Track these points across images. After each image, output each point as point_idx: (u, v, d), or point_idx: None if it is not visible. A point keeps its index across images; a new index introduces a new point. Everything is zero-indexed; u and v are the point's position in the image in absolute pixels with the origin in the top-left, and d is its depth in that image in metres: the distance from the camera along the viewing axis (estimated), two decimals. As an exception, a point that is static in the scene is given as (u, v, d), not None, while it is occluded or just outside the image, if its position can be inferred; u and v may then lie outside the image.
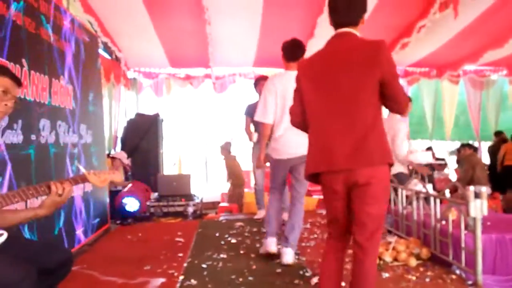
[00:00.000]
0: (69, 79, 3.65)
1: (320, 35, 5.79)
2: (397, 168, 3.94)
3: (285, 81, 3.09)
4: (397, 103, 1.86)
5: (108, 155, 5.57)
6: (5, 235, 1.55)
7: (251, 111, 4.51)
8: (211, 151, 7.13)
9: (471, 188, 2.62)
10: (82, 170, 1.74)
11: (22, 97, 2.79)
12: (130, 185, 5.08)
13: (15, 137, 2.67)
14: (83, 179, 1.73)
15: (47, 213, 1.65)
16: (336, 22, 1.94)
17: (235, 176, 6.00)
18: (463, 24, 5.59)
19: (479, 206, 2.59)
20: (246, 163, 7.39)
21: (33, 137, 2.92)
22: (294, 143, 3.03)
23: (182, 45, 6.29)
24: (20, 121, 2.73)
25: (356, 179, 1.82)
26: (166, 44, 6.18)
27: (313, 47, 6.10)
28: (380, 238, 1.92)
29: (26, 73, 2.87)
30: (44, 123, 3.10)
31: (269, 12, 5.34)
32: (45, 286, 1.61)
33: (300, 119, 2.06)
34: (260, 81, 4.53)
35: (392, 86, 1.81)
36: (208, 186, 7.43)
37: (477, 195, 2.62)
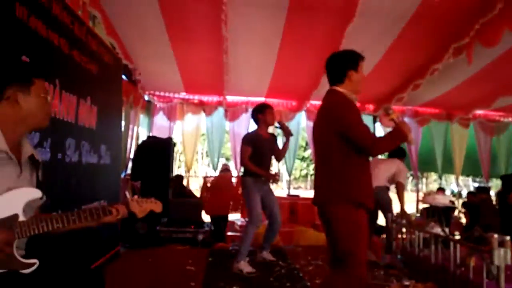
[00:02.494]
0: (94, 99, 3.69)
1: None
2: None
3: None
4: (360, 145, 2.18)
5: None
6: (37, 264, 1.51)
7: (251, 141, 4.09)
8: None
9: (496, 236, 2.62)
10: (127, 196, 1.73)
11: (53, 115, 2.82)
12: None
13: (44, 154, 2.68)
14: (126, 207, 1.71)
15: (95, 226, 1.69)
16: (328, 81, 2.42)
17: None
18: (476, 69, 5.70)
19: (503, 255, 2.57)
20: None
21: (59, 155, 2.94)
22: None
23: (198, 71, 6.40)
24: (49, 139, 2.75)
25: (323, 213, 2.24)
26: (183, 69, 6.28)
27: (326, 82, 6.25)
28: (352, 274, 2.10)
29: (58, 92, 2.91)
30: (70, 142, 3.12)
31: (287, 45, 5.46)
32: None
33: None
34: (267, 109, 4.21)
35: (350, 134, 2.18)
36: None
37: (500, 244, 2.61)
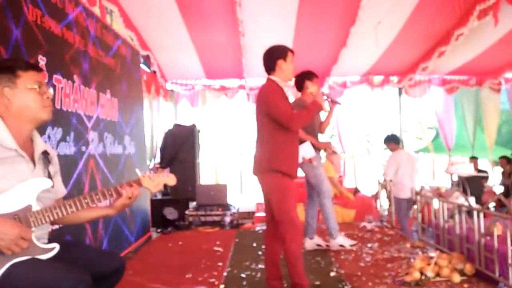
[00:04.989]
0: (114, 92, 3.82)
1: (353, 45, 5.81)
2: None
3: None
4: (280, 122, 2.58)
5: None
6: (57, 248, 1.58)
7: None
8: (245, 161, 7.19)
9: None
10: (138, 173, 1.76)
11: (74, 111, 2.96)
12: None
13: (68, 149, 2.83)
14: (138, 184, 1.74)
15: (116, 213, 1.76)
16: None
17: None
18: (503, 31, 5.42)
19: (527, 221, 2.51)
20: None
21: (84, 148, 3.09)
22: None
23: (217, 57, 6.43)
24: (72, 134, 2.90)
25: (259, 182, 2.70)
26: (202, 56, 6.34)
27: (345, 56, 6.15)
28: (289, 228, 2.55)
29: (77, 88, 3.04)
30: (93, 135, 3.27)
31: (303, 21, 5.39)
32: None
33: None
34: (315, 78, 3.91)
35: (272, 114, 2.59)
36: (243, 196, 7.50)
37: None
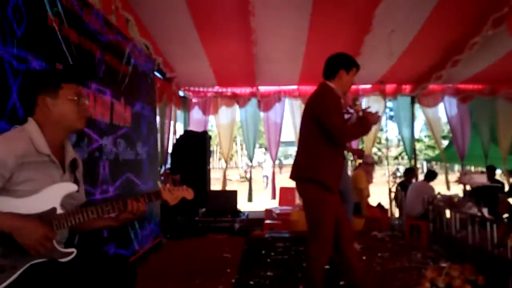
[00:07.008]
0: (128, 99, 3.88)
1: (367, 53, 5.79)
2: None
3: None
4: (330, 132, 2.43)
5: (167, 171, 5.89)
6: (75, 253, 1.62)
7: None
8: (255, 168, 7.19)
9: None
10: (159, 185, 1.79)
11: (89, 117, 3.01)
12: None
13: (81, 153, 2.88)
14: (157, 196, 1.77)
15: (119, 225, 1.78)
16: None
17: None
18: (519, 39, 5.36)
19: (541, 233, 2.47)
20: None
21: (97, 154, 3.14)
22: None
23: (229, 64, 6.49)
24: (85, 139, 2.95)
25: (297, 189, 2.61)
26: (214, 63, 6.40)
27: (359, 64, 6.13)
28: (317, 240, 2.46)
29: (92, 95, 3.10)
30: (106, 141, 3.33)
31: (315, 30, 5.41)
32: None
33: None
34: None
35: (323, 120, 2.44)
36: (253, 203, 7.49)
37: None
